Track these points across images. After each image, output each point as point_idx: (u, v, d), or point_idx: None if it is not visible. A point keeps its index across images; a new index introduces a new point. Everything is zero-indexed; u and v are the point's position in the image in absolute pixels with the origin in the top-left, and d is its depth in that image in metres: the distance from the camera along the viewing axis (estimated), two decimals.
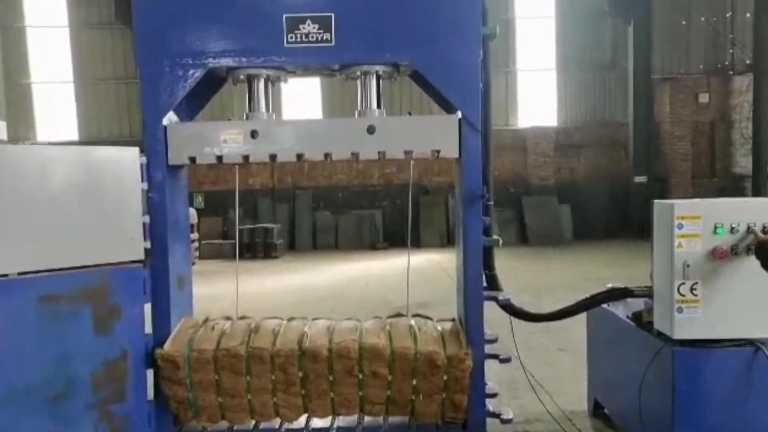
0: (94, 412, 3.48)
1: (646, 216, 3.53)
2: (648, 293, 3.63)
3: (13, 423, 3.30)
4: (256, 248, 15.26)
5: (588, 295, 3.93)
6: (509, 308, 3.91)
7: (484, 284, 3.83)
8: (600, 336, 4.37)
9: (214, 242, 15.63)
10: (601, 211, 16.33)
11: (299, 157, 3.63)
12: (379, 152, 3.62)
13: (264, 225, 15.67)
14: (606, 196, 16.52)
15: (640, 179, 15.99)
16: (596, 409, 4.55)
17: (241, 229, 15.36)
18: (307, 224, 16.98)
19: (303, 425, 3.76)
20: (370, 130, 3.56)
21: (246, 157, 3.64)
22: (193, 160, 3.67)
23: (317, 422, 3.85)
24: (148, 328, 3.80)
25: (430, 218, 16.57)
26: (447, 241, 16.01)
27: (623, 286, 3.81)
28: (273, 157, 3.63)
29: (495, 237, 3.79)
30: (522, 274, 10.73)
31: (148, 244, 3.73)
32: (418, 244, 15.85)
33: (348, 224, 16.87)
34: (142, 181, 3.71)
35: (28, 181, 3.35)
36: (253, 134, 3.57)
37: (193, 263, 13.07)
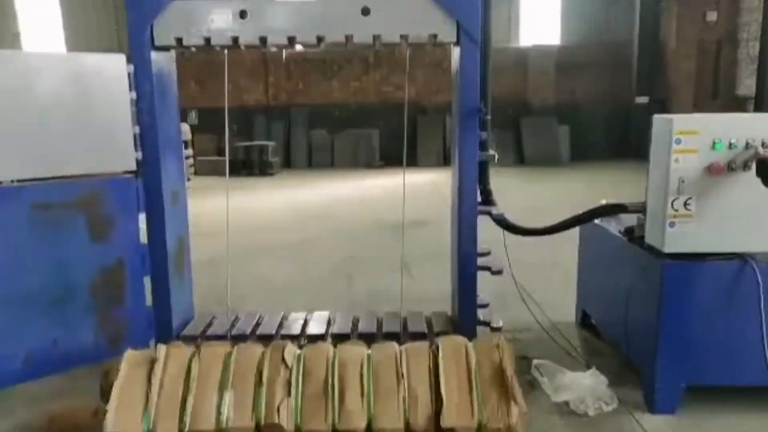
0: (93, 317, 3.58)
1: (646, 138, 3.48)
2: (641, 209, 3.64)
3: (15, 325, 3.40)
4: (252, 166, 15.21)
5: (582, 211, 3.95)
6: (503, 223, 3.94)
7: (479, 200, 3.85)
8: (591, 250, 4.44)
9: (210, 159, 15.53)
10: (600, 132, 16.18)
11: (291, 41, 3.47)
12: (374, 35, 3.48)
13: (259, 142, 15.53)
14: (606, 117, 16.31)
15: (642, 100, 15.72)
16: (584, 321, 4.69)
17: (236, 147, 15.23)
18: (303, 143, 16.84)
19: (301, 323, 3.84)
20: (365, 11, 3.41)
21: (235, 40, 3.49)
22: (179, 41, 3.51)
23: (313, 327, 3.95)
24: (144, 239, 3.83)
25: (427, 138, 16.43)
26: (444, 161, 15.94)
27: (617, 202, 3.82)
28: (263, 40, 3.47)
29: (491, 152, 3.75)
30: (517, 193, 10.75)
31: (140, 155, 3.68)
32: (415, 163, 15.79)
33: (344, 143, 16.73)
34: (130, 90, 3.62)
35: (15, 88, 3.28)
36: (242, 14, 3.42)
37: (188, 179, 13.08)
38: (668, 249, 3.26)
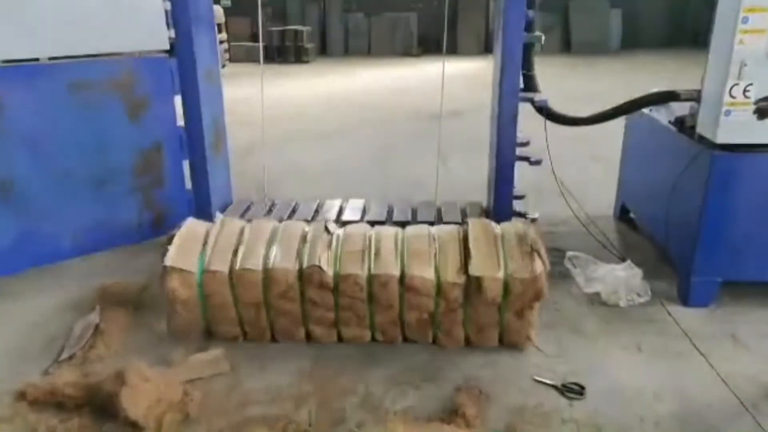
0: (135, 198, 3.67)
1: (705, 24, 3.19)
2: (695, 97, 3.43)
3: (61, 203, 3.51)
4: (287, 52, 14.86)
5: (631, 99, 3.75)
6: (545, 111, 3.78)
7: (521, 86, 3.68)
8: (636, 141, 4.26)
9: (244, 44, 15.20)
10: (655, 17, 15.09)
11: None
12: None
13: (294, 27, 15.05)
14: (663, 0, 15.14)
15: None
16: (622, 215, 4.61)
17: (269, 32, 14.81)
18: (339, 27, 16.24)
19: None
20: None
21: None
22: None
23: (349, 214, 4.02)
24: (180, 122, 3.83)
25: (467, 24, 15.65)
26: (486, 48, 15.28)
27: (669, 89, 3.60)
28: None
29: (537, 33, 3.52)
30: (560, 81, 10.31)
31: (173, 34, 3.58)
32: (454, 50, 15.20)
33: (381, 27, 16.08)
34: None
35: None
36: None
37: (223, 66, 12.89)
38: (721, 139, 3.09)
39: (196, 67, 3.67)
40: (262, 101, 4.52)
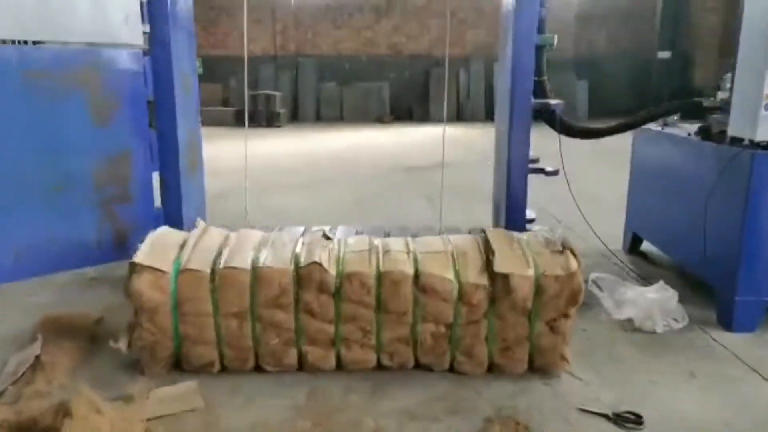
0: (96, 212, 3.15)
1: (666, 94, 3.02)
2: (720, 106, 3.20)
3: (4, 214, 2.96)
4: (259, 117, 14.66)
5: (645, 111, 3.50)
6: (558, 120, 3.47)
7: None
8: (649, 163, 3.96)
9: (214, 109, 14.99)
10: (620, 88, 15.56)
11: None
12: None
13: (266, 92, 14.96)
14: (626, 72, 15.69)
15: (664, 55, 15.10)
16: (633, 246, 4.26)
17: (240, 96, 14.68)
18: (312, 95, 16.26)
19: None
20: None
21: None
22: None
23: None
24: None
25: (440, 91, 15.83)
26: (457, 116, 15.42)
27: (692, 99, 3.37)
28: None
29: (549, 35, 3.28)
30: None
31: (147, 28, 3.21)
32: (427, 118, 15.29)
33: (354, 96, 16.15)
34: None
35: None
36: None
37: None
38: (761, 136, 2.81)
39: (172, 70, 3.28)
40: (246, 142, 4.14)
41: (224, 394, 2.44)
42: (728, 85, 3.18)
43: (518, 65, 3.21)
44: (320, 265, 2.45)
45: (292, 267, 2.47)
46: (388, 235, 3.65)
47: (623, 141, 4.17)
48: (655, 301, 3.07)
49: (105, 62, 3.08)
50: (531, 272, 2.45)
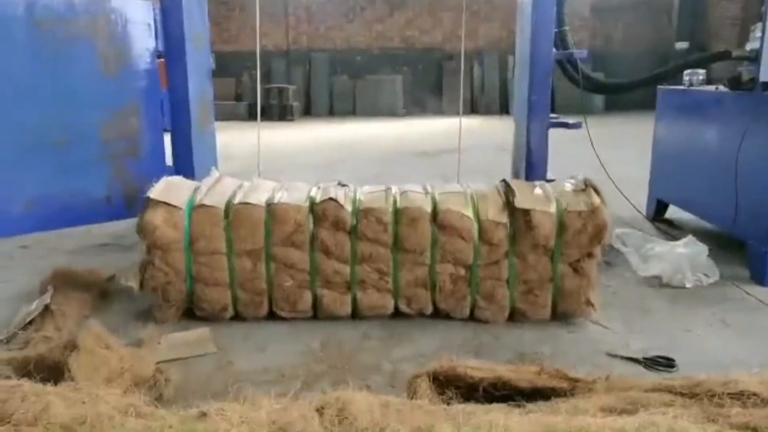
0: (105, 167, 3.09)
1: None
2: (749, 56, 3.07)
3: (12, 167, 2.91)
4: (272, 111, 14.65)
5: (672, 64, 3.37)
6: (581, 74, 3.36)
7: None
8: (675, 121, 3.82)
9: (228, 103, 15.01)
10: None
11: None
12: None
13: (279, 85, 14.95)
14: (643, 63, 15.45)
15: (681, 45, 14.86)
16: (657, 214, 4.12)
17: (253, 90, 14.69)
18: (324, 89, 16.21)
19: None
20: None
21: None
22: None
23: None
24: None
25: (454, 85, 15.72)
26: (471, 109, 15.29)
27: (719, 50, 3.24)
28: None
29: None
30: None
31: None
32: (440, 111, 15.19)
33: (367, 90, 16.07)
34: None
35: None
36: None
37: None
38: None
39: (183, 23, 3.22)
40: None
41: (237, 341, 2.35)
42: (758, 35, 3.05)
43: (539, 11, 3.10)
44: (336, 201, 2.37)
45: (307, 204, 2.39)
46: None
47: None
48: (684, 256, 2.94)
49: (116, 11, 3.02)
50: (553, 208, 2.35)
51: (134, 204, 3.21)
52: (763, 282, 2.87)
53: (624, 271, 3.08)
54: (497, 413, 1.05)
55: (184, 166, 3.26)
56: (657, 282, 2.93)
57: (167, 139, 3.42)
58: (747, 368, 2.11)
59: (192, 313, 2.51)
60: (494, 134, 9.35)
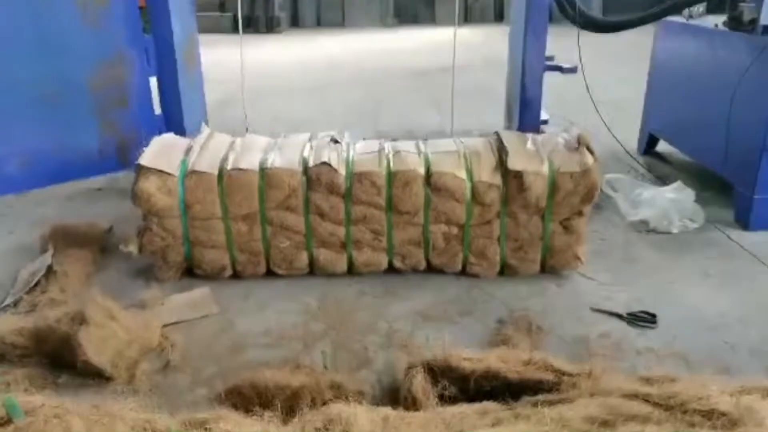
0: (94, 119, 3.05)
1: None
2: None
3: (10, 117, 2.86)
4: (257, 22, 14.10)
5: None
6: (578, 11, 3.24)
7: None
8: (672, 56, 3.75)
9: (211, 15, 14.39)
10: None
11: None
12: None
13: None
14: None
15: None
16: (648, 147, 4.14)
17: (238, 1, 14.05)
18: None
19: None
20: None
21: None
22: None
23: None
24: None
25: None
26: (465, 18, 14.76)
27: None
28: None
29: None
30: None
31: None
32: (433, 21, 14.66)
33: None
34: None
35: None
36: None
37: None
38: None
39: None
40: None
41: (238, 300, 2.44)
42: None
43: None
44: (329, 165, 2.38)
45: (301, 168, 2.40)
46: (396, 141, 3.56)
47: (649, 34, 3.92)
48: (671, 201, 3.00)
49: None
50: (545, 169, 2.38)
51: (126, 155, 3.20)
52: (748, 226, 2.95)
53: (612, 215, 3.15)
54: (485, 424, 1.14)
55: (173, 114, 3.22)
56: (644, 227, 3.00)
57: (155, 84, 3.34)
58: (726, 323, 2.24)
59: (192, 270, 2.58)
60: (490, 48, 9.07)
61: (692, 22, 3.50)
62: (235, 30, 14.53)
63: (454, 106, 5.85)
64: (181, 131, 3.23)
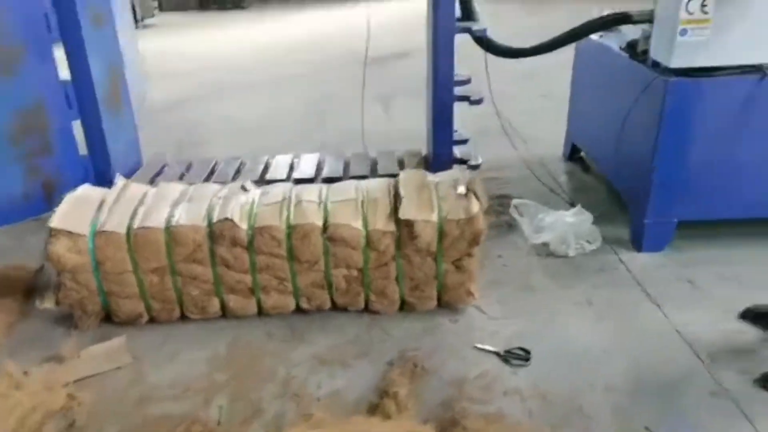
0: (20, 167, 3.17)
1: None
2: (650, 18, 3.07)
3: None
4: None
5: (579, 24, 3.36)
6: (485, 42, 3.36)
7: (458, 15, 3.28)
8: (586, 72, 3.91)
9: None
10: None
11: None
12: None
13: None
14: None
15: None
16: (572, 155, 4.30)
17: None
18: None
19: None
20: None
21: None
22: None
23: (275, 172, 3.66)
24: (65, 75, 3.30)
25: None
26: None
27: (621, 12, 3.23)
28: None
29: None
30: (506, 18, 9.82)
31: None
32: None
33: None
34: None
35: None
36: None
37: (152, 15, 11.96)
38: (675, 63, 2.76)
39: (75, 8, 3.11)
40: None
41: (152, 347, 2.61)
42: None
43: None
44: (232, 221, 2.53)
45: (205, 224, 2.56)
46: (321, 164, 3.74)
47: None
48: (570, 225, 3.18)
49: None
50: (434, 217, 2.54)
51: (52, 197, 3.32)
52: (640, 248, 3.14)
53: (518, 238, 3.33)
54: None
55: (99, 156, 3.33)
56: (545, 250, 3.19)
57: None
58: (594, 356, 2.44)
59: (109, 315, 2.74)
60: None
61: (604, 39, 3.60)
62: (201, 7, 14.34)
63: (405, 105, 5.96)
64: (108, 172, 3.36)
